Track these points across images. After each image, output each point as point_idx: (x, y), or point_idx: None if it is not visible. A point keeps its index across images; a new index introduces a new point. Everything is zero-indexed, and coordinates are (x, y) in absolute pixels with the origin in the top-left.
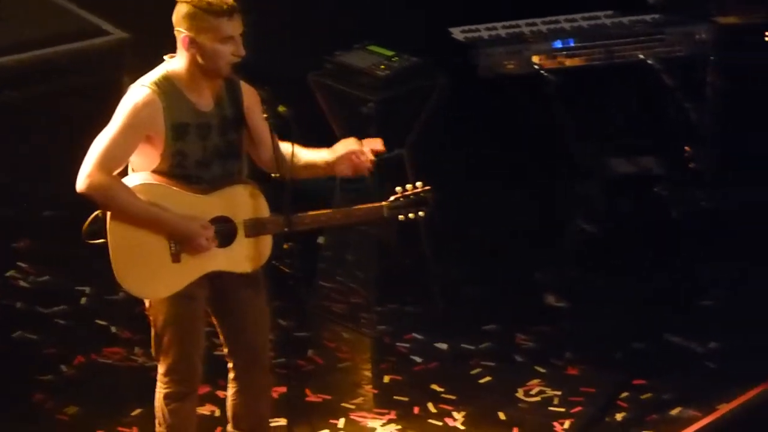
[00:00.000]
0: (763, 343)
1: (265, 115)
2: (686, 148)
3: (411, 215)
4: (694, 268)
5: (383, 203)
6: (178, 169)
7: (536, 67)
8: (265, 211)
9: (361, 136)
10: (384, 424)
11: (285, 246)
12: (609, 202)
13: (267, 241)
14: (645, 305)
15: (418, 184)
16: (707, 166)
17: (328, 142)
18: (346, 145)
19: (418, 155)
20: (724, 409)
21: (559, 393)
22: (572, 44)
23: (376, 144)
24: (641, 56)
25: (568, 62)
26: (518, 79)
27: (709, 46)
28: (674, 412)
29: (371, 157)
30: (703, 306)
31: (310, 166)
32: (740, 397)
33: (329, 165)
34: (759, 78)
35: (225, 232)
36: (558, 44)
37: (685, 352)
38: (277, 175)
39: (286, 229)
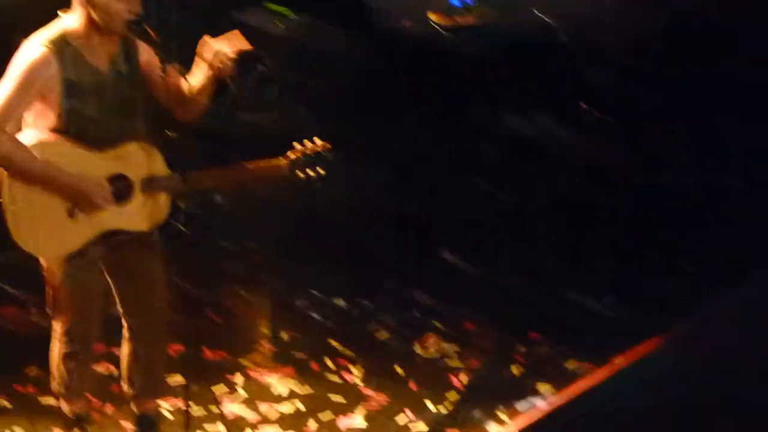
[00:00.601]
0: (658, 296)
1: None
2: (582, 105)
3: (311, 172)
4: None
5: (283, 160)
6: (74, 127)
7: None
8: (162, 169)
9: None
10: (282, 380)
11: (182, 205)
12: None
13: (164, 200)
14: (541, 260)
15: (319, 141)
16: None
17: None
18: (203, 47)
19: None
20: (619, 361)
21: (456, 347)
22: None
23: (236, 40)
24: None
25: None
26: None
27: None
28: (569, 365)
29: (230, 54)
30: (599, 260)
31: (204, 89)
32: (635, 349)
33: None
34: None
35: (121, 190)
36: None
37: (580, 306)
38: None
39: (183, 188)
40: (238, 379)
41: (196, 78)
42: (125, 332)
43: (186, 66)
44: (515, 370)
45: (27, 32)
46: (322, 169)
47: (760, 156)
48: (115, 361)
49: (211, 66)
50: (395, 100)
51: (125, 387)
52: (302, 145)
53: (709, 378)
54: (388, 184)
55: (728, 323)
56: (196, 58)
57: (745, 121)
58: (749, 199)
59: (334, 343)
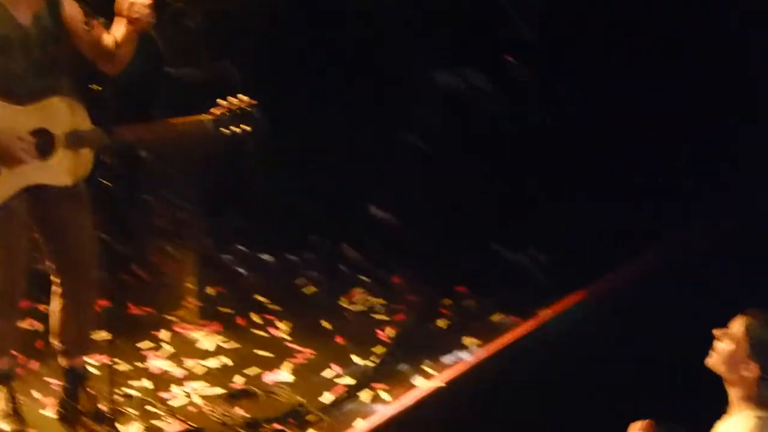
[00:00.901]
0: (581, 251)
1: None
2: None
3: (236, 129)
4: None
5: (207, 117)
6: None
7: None
8: (85, 123)
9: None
10: (208, 336)
11: (106, 159)
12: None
13: (88, 155)
14: (468, 214)
15: (244, 98)
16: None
17: None
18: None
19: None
20: (544, 314)
21: (382, 301)
22: None
23: None
24: None
25: None
26: None
27: None
28: (495, 318)
29: (145, 3)
30: (527, 214)
31: (126, 42)
32: (559, 302)
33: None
34: None
35: (44, 144)
36: None
37: (505, 260)
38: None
39: (107, 143)
40: (164, 334)
41: (118, 31)
42: (55, 288)
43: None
44: (441, 323)
45: None
46: (247, 125)
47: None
48: (42, 317)
49: (129, 18)
50: (320, 56)
51: (54, 342)
52: (227, 101)
53: (624, 330)
54: (315, 140)
55: (647, 279)
56: (116, 11)
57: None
58: (672, 159)
59: (260, 298)
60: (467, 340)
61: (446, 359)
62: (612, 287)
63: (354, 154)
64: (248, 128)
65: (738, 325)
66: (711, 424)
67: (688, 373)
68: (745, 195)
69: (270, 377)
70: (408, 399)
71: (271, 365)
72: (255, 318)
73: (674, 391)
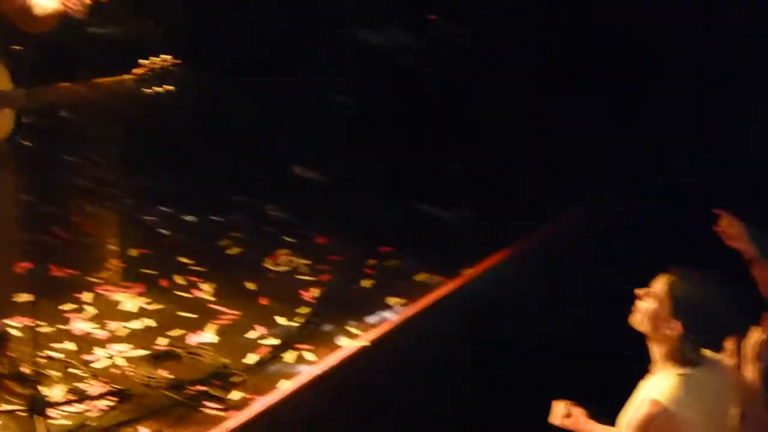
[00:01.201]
0: (506, 210)
1: None
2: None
3: (158, 89)
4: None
5: (129, 76)
6: None
7: None
8: (5, 83)
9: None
10: (132, 298)
11: (27, 120)
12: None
13: (8, 115)
14: (391, 173)
15: (166, 57)
16: None
17: None
18: None
19: None
20: (468, 273)
21: (307, 262)
22: None
23: None
24: None
25: None
26: None
27: None
28: (420, 277)
29: None
30: (452, 174)
31: (55, 16)
32: (483, 261)
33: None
34: None
35: None
36: None
37: (430, 219)
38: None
39: (28, 102)
40: (87, 296)
41: (48, 2)
42: None
43: None
44: (365, 283)
45: None
46: (169, 84)
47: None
48: None
49: (63, 3)
50: (243, 16)
51: None
52: (149, 60)
53: (548, 288)
54: (238, 100)
55: (571, 237)
56: None
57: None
58: (595, 121)
59: (183, 259)
60: (392, 300)
61: (371, 319)
62: (536, 245)
63: (278, 113)
64: (171, 88)
65: (660, 284)
66: (634, 383)
67: (612, 331)
68: (669, 154)
69: (194, 339)
70: (332, 359)
71: (195, 326)
72: (178, 279)
73: (598, 349)
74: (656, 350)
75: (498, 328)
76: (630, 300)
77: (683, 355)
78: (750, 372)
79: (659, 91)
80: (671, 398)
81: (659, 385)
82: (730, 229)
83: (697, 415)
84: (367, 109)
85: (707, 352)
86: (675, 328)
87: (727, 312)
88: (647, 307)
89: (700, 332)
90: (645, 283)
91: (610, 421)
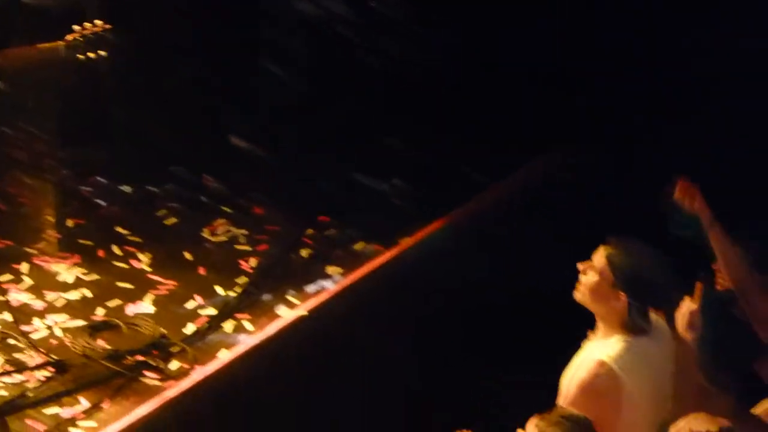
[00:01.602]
0: (443, 181)
1: None
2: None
3: (91, 55)
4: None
5: (61, 43)
6: None
7: None
8: None
9: None
10: (68, 269)
11: None
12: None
13: None
14: (328, 142)
15: (98, 22)
16: None
17: None
18: None
19: None
20: (405, 242)
21: (244, 232)
22: None
23: None
24: None
25: None
26: None
27: None
28: (358, 246)
29: None
30: (387, 143)
31: None
32: (421, 230)
33: None
34: None
35: None
36: None
37: (367, 189)
38: None
39: None
40: (24, 267)
41: None
42: None
43: None
44: (304, 253)
45: None
46: (102, 51)
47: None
48: None
49: None
50: None
51: None
52: (81, 26)
53: (486, 258)
54: (175, 69)
55: (508, 207)
56: None
57: None
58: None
59: (121, 230)
60: (330, 269)
61: (309, 288)
62: (473, 215)
63: (215, 83)
64: (104, 53)
65: (600, 256)
66: (575, 349)
67: (551, 301)
68: (604, 123)
69: (132, 309)
70: (271, 328)
71: (132, 297)
72: (116, 250)
73: (536, 318)
74: (602, 320)
75: (435, 297)
76: (570, 268)
77: (632, 324)
78: (683, 340)
79: (589, 66)
80: (617, 361)
81: (605, 348)
82: (690, 192)
83: (639, 382)
84: (305, 80)
85: (653, 317)
86: (620, 299)
87: (666, 279)
88: (589, 280)
89: (644, 300)
90: (585, 255)
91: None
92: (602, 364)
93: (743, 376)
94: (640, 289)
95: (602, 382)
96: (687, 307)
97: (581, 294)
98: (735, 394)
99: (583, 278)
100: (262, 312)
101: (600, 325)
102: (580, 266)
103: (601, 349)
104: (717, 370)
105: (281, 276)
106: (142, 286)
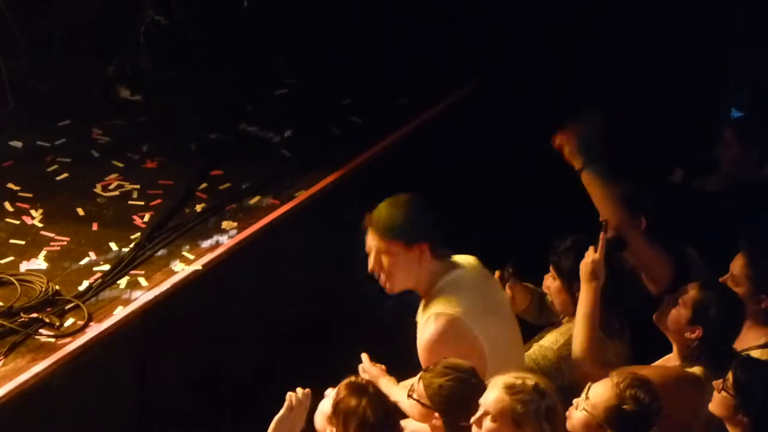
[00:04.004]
0: (336, 132)
1: None
2: None
3: None
4: (269, 58)
5: None
6: None
7: None
8: None
9: None
10: None
11: None
12: None
13: None
14: (219, 95)
15: None
16: None
17: None
18: None
19: None
20: (302, 195)
21: (137, 186)
22: None
23: None
24: None
25: None
26: None
27: None
28: (253, 201)
29: None
30: (278, 95)
31: None
32: (318, 183)
33: None
34: None
35: None
36: None
37: (260, 141)
38: None
39: None
40: None
41: None
42: None
43: None
44: (198, 207)
45: None
46: None
47: None
48: None
49: None
50: None
51: None
52: None
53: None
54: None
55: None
56: None
57: None
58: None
59: (11, 185)
60: (225, 224)
61: (204, 243)
62: (365, 166)
63: (103, 34)
64: None
65: (368, 236)
66: None
67: None
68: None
69: (24, 266)
70: (166, 284)
71: (25, 253)
72: (7, 206)
73: None
74: (415, 285)
75: (333, 249)
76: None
77: (437, 270)
78: (585, 290)
79: None
80: (447, 304)
81: (432, 306)
82: (566, 140)
83: (475, 307)
84: (197, 30)
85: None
86: (407, 252)
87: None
88: (377, 259)
89: (419, 237)
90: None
91: None
92: (437, 316)
93: (631, 323)
94: (407, 230)
95: (448, 331)
96: (591, 257)
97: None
98: (628, 341)
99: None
100: (156, 267)
101: (420, 293)
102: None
103: (429, 308)
104: (608, 316)
105: (175, 231)
106: (34, 242)
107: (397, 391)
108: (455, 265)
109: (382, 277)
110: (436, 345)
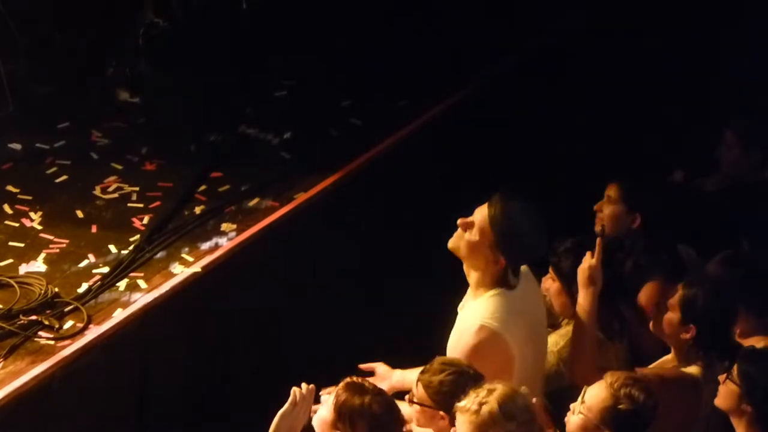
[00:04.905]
0: (335, 134)
1: None
2: None
3: None
4: (269, 60)
5: None
6: None
7: None
8: None
9: None
10: None
11: None
12: None
13: None
14: (219, 97)
15: None
16: None
17: None
18: None
19: None
20: (301, 197)
21: (136, 189)
22: None
23: None
24: None
25: None
26: None
27: None
28: (252, 203)
29: None
30: (277, 97)
31: None
32: (317, 186)
33: None
34: None
35: None
36: None
37: (260, 143)
38: None
39: None
40: None
41: None
42: None
43: None
44: (197, 210)
45: None
46: None
47: None
48: None
49: None
50: None
51: None
52: None
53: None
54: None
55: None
56: None
57: None
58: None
59: (11, 188)
60: (225, 226)
61: (203, 245)
62: (365, 169)
63: (93, 31)
64: None
65: (482, 216)
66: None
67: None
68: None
69: (24, 268)
70: (165, 287)
71: (24, 256)
72: (7, 209)
73: (428, 267)
74: (474, 275)
75: (332, 252)
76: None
77: (504, 282)
78: (583, 295)
79: None
80: (496, 320)
81: (480, 309)
82: None
83: (518, 333)
84: (186, 26)
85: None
86: (499, 262)
87: (541, 238)
88: (471, 238)
89: (521, 260)
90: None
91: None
92: (481, 328)
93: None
94: (518, 250)
95: (488, 345)
96: (589, 262)
97: (454, 244)
98: (626, 343)
99: (463, 233)
100: (155, 270)
101: (471, 281)
102: (460, 223)
103: (477, 311)
104: (607, 317)
105: (175, 233)
106: (34, 244)
107: (413, 376)
108: (517, 282)
109: (462, 234)
110: (470, 352)
